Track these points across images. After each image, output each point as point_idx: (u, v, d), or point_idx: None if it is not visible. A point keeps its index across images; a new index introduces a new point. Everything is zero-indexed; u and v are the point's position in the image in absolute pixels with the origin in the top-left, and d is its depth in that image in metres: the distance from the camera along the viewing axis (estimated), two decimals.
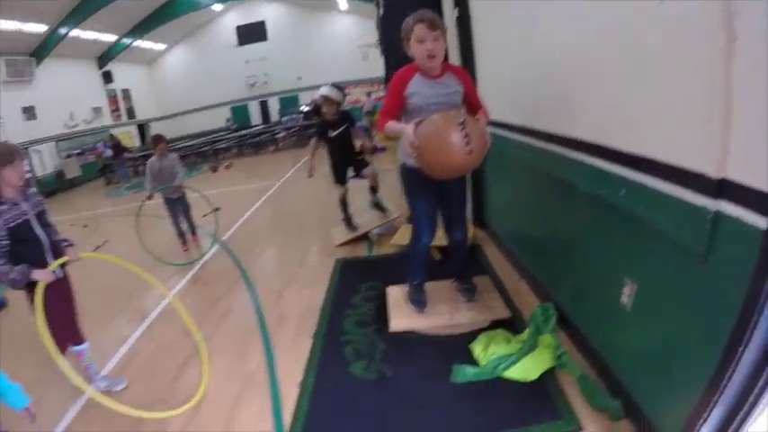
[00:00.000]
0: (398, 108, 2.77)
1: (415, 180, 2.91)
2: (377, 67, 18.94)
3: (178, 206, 5.97)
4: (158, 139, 5.79)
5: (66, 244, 2.97)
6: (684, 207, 1.57)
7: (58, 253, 2.89)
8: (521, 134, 3.24)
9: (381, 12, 12.66)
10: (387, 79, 14.48)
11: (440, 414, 2.42)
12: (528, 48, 3.00)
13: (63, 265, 2.88)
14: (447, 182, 2.80)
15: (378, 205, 5.36)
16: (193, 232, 6.30)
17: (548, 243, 3.10)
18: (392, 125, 2.65)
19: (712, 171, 1.43)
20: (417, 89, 2.72)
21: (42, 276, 2.63)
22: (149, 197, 5.78)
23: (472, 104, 2.86)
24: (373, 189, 5.32)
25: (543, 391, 2.44)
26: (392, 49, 10.70)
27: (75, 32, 17.24)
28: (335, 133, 5.03)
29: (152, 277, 3.43)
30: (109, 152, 17.40)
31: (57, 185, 17.05)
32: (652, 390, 1.98)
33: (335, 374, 2.90)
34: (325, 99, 4.90)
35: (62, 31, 16.69)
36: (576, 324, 2.75)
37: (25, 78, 16.72)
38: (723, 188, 1.42)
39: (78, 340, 3.10)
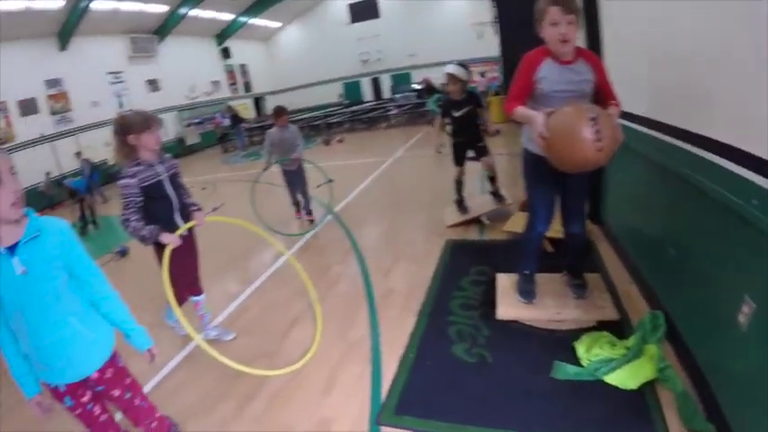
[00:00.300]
0: (527, 92, 2.70)
1: (536, 167, 2.87)
2: (491, 46, 18.44)
3: (295, 178, 6.07)
4: (281, 110, 5.89)
5: (194, 208, 3.26)
6: None
7: (185, 214, 3.20)
8: (647, 126, 3.04)
9: None
10: (503, 59, 14.14)
11: (536, 407, 2.43)
12: (664, 32, 2.74)
13: (189, 228, 3.19)
14: (570, 173, 2.71)
15: (496, 194, 5.29)
16: (309, 212, 6.33)
17: (665, 247, 2.91)
18: (522, 110, 2.61)
19: None
20: (547, 74, 2.63)
21: (170, 240, 2.90)
22: (266, 167, 5.98)
23: (604, 95, 2.71)
24: (492, 179, 5.28)
25: (640, 403, 2.36)
26: (508, 28, 10.41)
27: (194, 12, 18.62)
28: (460, 113, 5.01)
29: (271, 237, 3.71)
30: (227, 122, 18.82)
31: (178, 151, 18.74)
32: (752, 421, 1.85)
33: (437, 353, 2.99)
34: (451, 77, 4.86)
35: (182, 10, 18.10)
36: (684, 337, 2.59)
37: (149, 54, 18.51)
38: None
39: (197, 291, 3.47)
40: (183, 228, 3.06)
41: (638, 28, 3.17)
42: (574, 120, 2.31)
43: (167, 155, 3.19)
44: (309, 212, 6.34)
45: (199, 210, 3.27)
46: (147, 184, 2.93)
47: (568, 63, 2.63)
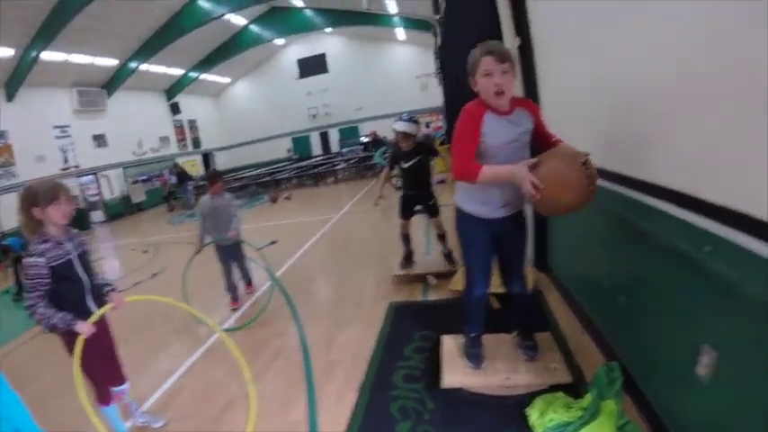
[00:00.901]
0: (476, 148, 2.51)
1: (472, 227, 2.76)
2: (435, 96, 18.90)
3: (231, 255, 5.29)
4: (216, 176, 5.22)
5: (109, 289, 2.89)
6: None
7: (98, 296, 2.83)
8: None
9: (439, 41, 12.72)
10: (446, 110, 14.41)
11: None
12: (601, 79, 2.72)
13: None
14: (508, 231, 2.70)
15: (448, 256, 5.07)
16: (249, 283, 5.72)
17: (616, 294, 2.80)
18: (491, 170, 2.44)
19: None
20: (489, 128, 2.48)
21: (84, 330, 2.54)
22: (199, 249, 5.17)
23: (544, 137, 2.63)
24: (441, 237, 5.08)
25: None
26: (449, 79, 10.63)
27: (144, 66, 18.51)
28: (408, 164, 4.84)
29: (203, 315, 3.38)
30: (173, 179, 18.40)
31: (122, 209, 18.41)
32: None
33: None
34: (405, 135, 4.70)
35: (132, 65, 18.04)
36: (643, 388, 2.47)
37: (97, 108, 18.21)
38: None
39: (119, 381, 3.06)
40: (97, 314, 2.67)
41: (577, 76, 3.13)
42: (569, 168, 2.26)
43: (76, 231, 2.84)
44: (249, 282, 5.74)
45: (113, 290, 2.90)
46: (56, 264, 2.57)
47: (506, 114, 2.51)
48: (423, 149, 4.87)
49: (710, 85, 1.64)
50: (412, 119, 4.78)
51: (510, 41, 4.19)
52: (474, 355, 3.02)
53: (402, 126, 4.69)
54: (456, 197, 2.85)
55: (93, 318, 2.62)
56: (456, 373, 2.99)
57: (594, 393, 2.49)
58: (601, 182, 2.69)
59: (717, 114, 1.63)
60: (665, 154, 2.05)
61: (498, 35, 4.27)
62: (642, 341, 2.48)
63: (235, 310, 5.31)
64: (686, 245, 1.85)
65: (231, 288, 5.41)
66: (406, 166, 4.84)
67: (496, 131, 2.48)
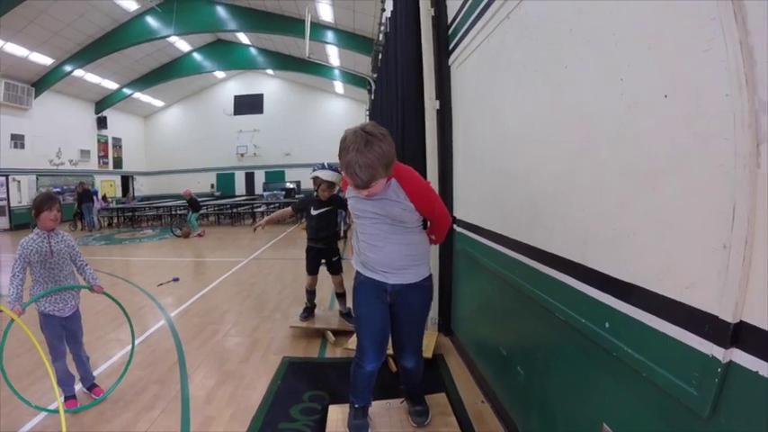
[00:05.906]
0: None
1: (362, 291, 2.57)
2: None
3: (64, 330, 3.40)
4: (48, 200, 3.28)
5: None
6: (686, 353, 1.25)
7: None
8: (492, 240, 2.97)
9: (372, 98, 12.99)
10: None
11: None
12: (504, 149, 2.77)
13: None
14: (401, 300, 2.53)
15: (347, 315, 4.84)
16: (92, 385, 3.63)
17: (517, 365, 2.70)
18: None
19: (727, 312, 1.12)
20: (352, 196, 2.47)
21: None
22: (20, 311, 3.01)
23: (428, 221, 2.60)
24: (340, 296, 4.91)
25: None
26: None
27: (79, 72, 17.79)
28: (317, 212, 4.65)
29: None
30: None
31: (29, 219, 16.78)
32: None
33: None
34: (329, 185, 4.48)
35: (67, 68, 17.15)
36: None
37: (22, 106, 17.08)
38: (739, 334, 1.11)
39: None
40: None
41: (484, 145, 3.21)
42: None
43: None
44: (93, 385, 3.63)
45: None
46: None
47: None
48: (335, 202, 4.69)
49: (608, 164, 1.65)
50: (337, 169, 4.56)
51: (430, 103, 4.26)
52: (357, 427, 2.76)
53: (328, 175, 4.44)
54: (352, 261, 2.72)
55: None
56: None
57: None
58: (501, 248, 2.77)
59: (612, 191, 1.62)
60: (562, 224, 2.01)
61: (420, 95, 4.30)
62: (542, 415, 2.37)
63: (72, 407, 3.38)
64: (584, 319, 1.79)
65: (67, 381, 3.45)
66: (314, 213, 4.66)
67: (357, 202, 2.45)
